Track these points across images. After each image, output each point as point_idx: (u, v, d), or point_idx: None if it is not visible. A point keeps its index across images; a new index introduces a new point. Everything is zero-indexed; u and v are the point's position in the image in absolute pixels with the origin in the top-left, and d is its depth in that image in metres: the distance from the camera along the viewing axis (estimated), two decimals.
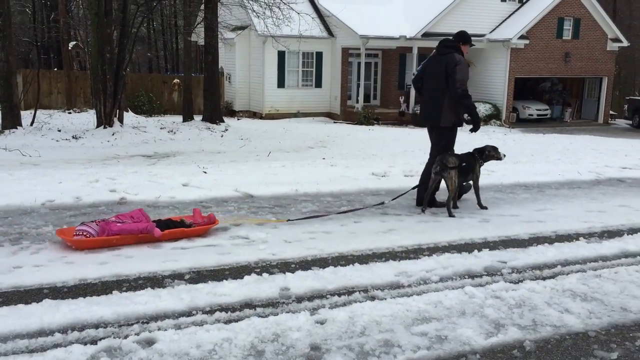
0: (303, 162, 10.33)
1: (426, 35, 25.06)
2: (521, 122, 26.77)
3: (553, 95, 29.63)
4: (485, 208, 6.55)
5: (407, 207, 6.63)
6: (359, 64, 25.85)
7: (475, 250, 4.91)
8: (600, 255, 4.89)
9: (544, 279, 4.30)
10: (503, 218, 6.18)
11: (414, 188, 6.87)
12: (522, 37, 25.76)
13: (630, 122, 28.57)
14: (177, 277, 4.18)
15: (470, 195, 6.86)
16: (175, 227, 5.14)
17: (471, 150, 6.64)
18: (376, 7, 26.62)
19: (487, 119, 25.31)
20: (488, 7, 26.65)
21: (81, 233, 4.77)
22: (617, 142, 17.82)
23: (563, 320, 3.58)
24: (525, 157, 11.66)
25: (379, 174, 8.63)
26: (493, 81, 26.68)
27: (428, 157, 6.80)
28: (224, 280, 4.08)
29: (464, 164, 6.28)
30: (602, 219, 6.15)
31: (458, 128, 6.62)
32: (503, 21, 27.06)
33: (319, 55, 26.32)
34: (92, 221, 4.98)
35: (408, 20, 25.91)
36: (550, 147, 15.40)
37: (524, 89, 28.89)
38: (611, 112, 30.21)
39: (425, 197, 6.48)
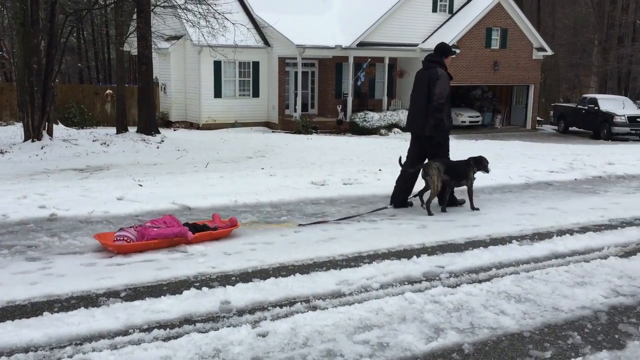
0: (242, 172, 10.26)
1: (362, 44, 25.44)
2: (454, 129, 27.45)
3: (484, 103, 30.63)
4: (477, 209, 7.03)
5: (347, 215, 6.67)
6: (296, 73, 25.93)
7: (414, 256, 4.98)
8: (532, 257, 5.06)
9: (480, 282, 4.41)
10: (440, 223, 6.32)
11: (415, 196, 7.24)
12: (453, 47, 26.50)
13: (556, 127, 29.88)
14: (112, 295, 4.04)
15: (416, 204, 6.98)
16: (202, 230, 5.45)
17: (466, 159, 7.24)
18: (312, 17, 26.84)
19: None
20: (420, 17, 27.32)
21: (122, 238, 5.04)
22: (544, 147, 18.59)
23: (499, 322, 3.68)
24: None
25: (318, 183, 8.66)
26: None
27: (405, 161, 7.30)
28: (162, 297, 3.97)
29: (455, 169, 6.94)
30: (532, 222, 6.38)
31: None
32: (435, 31, 27.79)
33: (256, 64, 26.24)
34: (130, 227, 5.25)
35: (343, 30, 26.24)
36: (483, 152, 15.79)
37: (456, 96, 29.70)
38: (538, 118, 31.51)
39: (445, 197, 6.97)
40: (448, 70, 7.04)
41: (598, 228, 6.16)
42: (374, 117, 25.08)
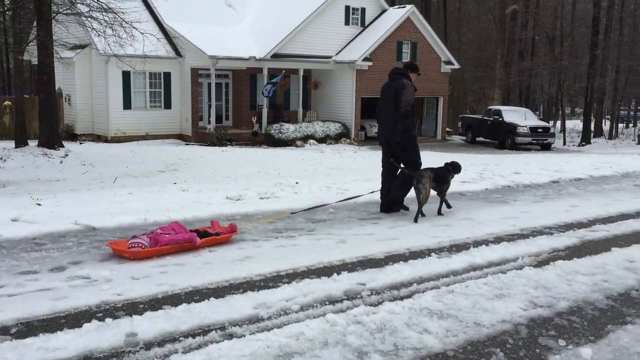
0: (153, 188, 9.77)
1: (276, 56, 25.32)
2: (369, 140, 27.91)
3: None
4: (450, 207, 7.67)
5: (265, 231, 6.44)
6: (209, 84, 25.40)
7: (335, 274, 4.83)
8: (451, 270, 5.04)
9: (401, 298, 4.31)
10: (359, 237, 6.22)
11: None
12: (366, 59, 26.95)
13: (465, 138, 31.00)
14: (1, 331, 3.59)
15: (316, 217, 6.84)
16: (205, 236, 5.71)
17: (444, 165, 7.82)
18: (225, 28, 26.45)
19: (338, 138, 26.09)
20: (333, 30, 27.59)
21: (136, 245, 5.27)
22: (454, 157, 19.14)
23: (423, 341, 3.57)
24: (376, 174, 11.97)
25: (233, 198, 8.37)
26: (342, 101, 27.62)
27: (381, 169, 7.89)
28: (59, 331, 3.57)
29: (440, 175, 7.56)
30: (449, 233, 6.42)
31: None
32: (348, 44, 28.14)
33: (167, 75, 25.49)
34: (143, 234, 5.49)
35: (257, 41, 26.04)
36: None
37: (369, 108, 30.18)
38: (447, 129, 32.58)
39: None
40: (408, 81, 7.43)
41: (511, 238, 6.27)
42: (289, 129, 24.98)
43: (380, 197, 7.81)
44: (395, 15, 28.56)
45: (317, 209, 7.62)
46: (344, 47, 27.94)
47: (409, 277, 4.79)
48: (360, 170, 13.60)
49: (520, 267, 5.09)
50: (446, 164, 7.88)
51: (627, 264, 5.27)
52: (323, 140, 25.60)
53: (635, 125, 42.75)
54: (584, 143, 29.05)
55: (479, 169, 12.89)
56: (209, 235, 5.76)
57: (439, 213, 7.55)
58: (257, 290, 4.44)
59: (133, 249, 5.24)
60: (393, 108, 7.31)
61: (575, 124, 41.56)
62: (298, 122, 26.13)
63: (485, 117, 29.25)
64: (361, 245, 5.81)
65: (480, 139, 29.93)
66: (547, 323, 3.94)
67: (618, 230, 6.67)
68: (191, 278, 4.68)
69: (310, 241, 6.02)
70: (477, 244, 5.97)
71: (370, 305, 4.15)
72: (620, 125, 39.91)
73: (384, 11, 29.45)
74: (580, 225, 6.98)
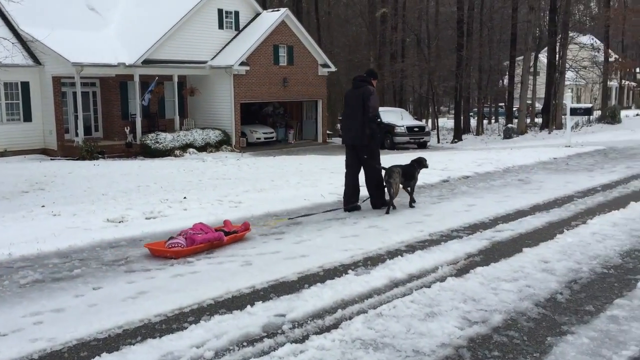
0: (16, 213, 8.53)
1: (147, 62, 23.97)
2: (250, 146, 27.33)
3: (276, 119, 30.99)
4: (414, 201, 8.25)
5: (156, 257, 5.69)
6: (74, 94, 23.47)
7: (248, 305, 4.24)
8: (374, 288, 4.64)
9: (329, 329, 3.82)
10: (265, 257, 5.66)
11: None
12: (242, 64, 26.33)
13: None
14: None
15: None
16: (229, 234, 6.20)
17: (410, 162, 8.29)
18: (89, 33, 24.62)
19: (219, 145, 25.22)
20: (207, 34, 26.68)
21: (175, 245, 5.71)
22: (339, 160, 19.08)
23: None
24: (266, 183, 11.51)
25: (115, 220, 7.47)
26: (220, 107, 26.77)
27: (345, 170, 8.22)
28: None
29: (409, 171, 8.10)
30: (359, 244, 6.04)
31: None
32: (223, 48, 27.35)
33: (25, 85, 23.23)
34: (178, 235, 5.91)
35: (126, 46, 24.49)
36: (285, 169, 15.71)
37: (249, 113, 29.64)
38: (328, 131, 32.79)
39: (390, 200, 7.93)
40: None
41: (423, 245, 6.02)
42: (166, 138, 23.74)
43: (344, 198, 8.19)
44: (270, 19, 28.21)
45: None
46: (220, 52, 27.14)
47: (331, 302, 4.32)
48: (249, 179, 12.98)
49: (443, 279, 4.80)
50: (412, 160, 8.39)
51: (543, 265, 5.18)
52: (203, 148, 24.62)
53: (497, 121, 45.71)
54: (456, 140, 30.43)
55: None
56: (232, 233, 6.24)
57: (411, 205, 8.17)
58: (159, 336, 3.75)
59: (174, 247, 5.67)
60: (361, 113, 7.74)
61: (444, 122, 43.58)
62: (175, 131, 24.94)
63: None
64: (270, 267, 5.26)
65: None
66: (487, 342, 3.64)
67: (521, 229, 6.66)
68: (75, 327, 3.89)
69: (211, 266, 5.37)
70: (391, 254, 5.64)
71: (295, 341, 3.62)
72: (485, 122, 42.41)
73: (257, 15, 29.01)
74: (484, 225, 6.91)
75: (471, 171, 11.97)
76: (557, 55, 33.78)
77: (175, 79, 25.51)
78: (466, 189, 9.91)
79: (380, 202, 8.10)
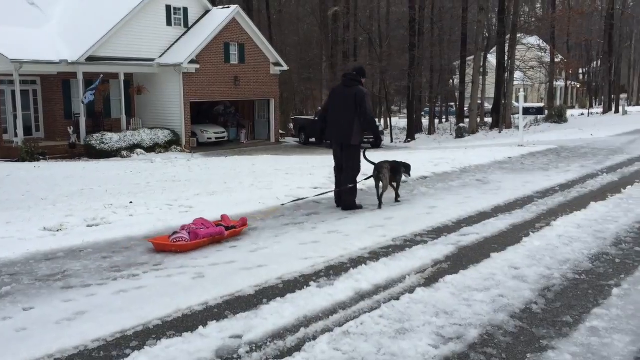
0: None
1: (91, 59, 22.97)
2: (201, 146, 26.62)
3: (227, 118, 30.36)
4: (399, 196, 8.58)
5: (98, 271, 5.17)
6: (13, 92, 22.27)
7: (200, 326, 3.81)
8: (338, 302, 4.27)
9: (291, 352, 3.44)
10: (219, 268, 5.22)
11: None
12: (192, 62, 25.61)
13: (298, 139, 30.96)
14: None
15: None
16: (229, 229, 6.33)
17: (398, 161, 8.63)
18: (28, 29, 23.41)
19: (168, 146, 24.44)
20: (154, 31, 25.82)
21: (180, 239, 5.75)
22: (294, 160, 18.71)
23: None
24: (219, 185, 11.02)
25: (52, 229, 6.88)
26: (169, 106, 25.96)
27: (334, 170, 8.32)
28: None
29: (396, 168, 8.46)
30: (320, 252, 5.67)
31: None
32: (172, 45, 26.55)
33: None
34: (182, 229, 5.93)
35: (69, 43, 23.40)
36: (237, 170, 15.18)
37: (199, 113, 28.92)
38: (280, 131, 32.34)
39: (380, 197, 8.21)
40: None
41: (387, 252, 5.69)
42: (112, 138, 22.81)
43: (335, 194, 8.25)
44: (220, 16, 27.57)
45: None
46: (168, 49, 26.33)
47: (293, 320, 3.93)
48: (200, 181, 12.43)
49: (412, 289, 4.48)
50: (400, 162, 8.68)
51: (514, 271, 4.93)
52: (152, 149, 23.79)
53: (447, 121, 46.23)
54: (409, 139, 30.51)
55: (325, 172, 12.44)
56: (231, 228, 6.37)
57: (397, 200, 8.47)
58: None
59: (179, 242, 5.73)
60: (351, 113, 7.76)
61: (396, 122, 43.74)
62: (122, 131, 24.01)
63: (316, 118, 29.40)
64: (225, 279, 4.83)
65: (313, 139, 30.08)
66: None
67: (486, 232, 6.43)
68: (1, 357, 3.38)
69: (159, 280, 4.90)
70: (355, 263, 5.30)
71: None
72: (436, 121, 42.79)
73: (207, 11, 28.33)
74: (448, 229, 6.65)
75: (429, 171, 11.77)
76: (506, 56, 34.34)
77: (122, 77, 24.58)
78: (425, 190, 9.68)
79: (351, 204, 8.02)
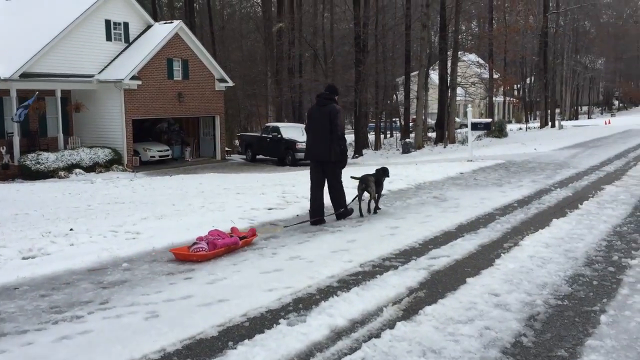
0: None
1: (25, 75, 21.83)
2: (144, 165, 25.69)
3: (171, 136, 29.52)
4: (379, 208, 9.00)
5: (35, 313, 4.56)
6: None
7: None
8: (314, 342, 3.85)
9: None
10: (174, 305, 4.71)
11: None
12: (134, 78, 24.76)
13: (245, 156, 30.37)
14: None
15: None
16: (242, 239, 6.75)
17: (375, 172, 8.99)
18: None
19: (109, 165, 23.43)
20: (93, 46, 24.86)
21: (200, 249, 6.17)
22: (243, 178, 18.19)
23: None
24: (166, 207, 10.41)
25: None
26: (110, 124, 24.95)
27: (310, 185, 8.45)
28: None
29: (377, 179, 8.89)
30: (285, 282, 5.24)
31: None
32: (112, 61, 25.64)
33: None
34: (201, 240, 6.33)
35: (1, 59, 22.13)
36: (185, 190, 14.55)
37: (142, 130, 27.98)
38: (226, 148, 31.68)
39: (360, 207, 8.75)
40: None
41: (357, 279, 5.32)
42: (49, 158, 21.67)
43: (309, 211, 8.38)
44: (163, 31, 26.87)
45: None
46: (108, 65, 25.41)
47: None
48: (145, 203, 11.78)
49: (392, 324, 4.11)
50: (377, 170, 9.09)
51: (494, 298, 4.65)
52: (92, 168, 22.75)
53: (392, 136, 46.62)
54: (357, 155, 30.34)
55: (279, 191, 12.03)
56: (244, 238, 6.79)
57: (375, 212, 8.85)
58: None
59: (198, 252, 6.09)
60: (328, 131, 8.06)
61: None
62: (59, 150, 22.88)
63: (264, 135, 28.96)
64: (182, 319, 4.33)
65: (260, 156, 29.60)
66: None
67: (456, 254, 6.15)
68: None
69: (107, 322, 4.35)
70: (324, 293, 4.89)
71: None
72: (381, 136, 43.04)
73: (149, 27, 27.59)
74: (416, 252, 6.35)
75: (384, 189, 11.50)
76: (448, 72, 34.96)
77: (59, 94, 23.47)
78: (384, 208, 9.39)
79: (345, 212, 8.48)
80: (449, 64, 35.59)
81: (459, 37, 38.64)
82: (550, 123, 49.50)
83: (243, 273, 5.63)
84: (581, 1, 57.35)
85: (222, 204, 10.33)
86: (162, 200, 12.22)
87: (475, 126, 17.44)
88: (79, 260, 6.13)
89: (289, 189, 12.43)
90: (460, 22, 39.07)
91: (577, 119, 69.49)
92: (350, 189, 9.09)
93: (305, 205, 9.89)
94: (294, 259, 6.15)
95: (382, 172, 9.05)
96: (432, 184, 12.41)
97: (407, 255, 6.16)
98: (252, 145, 29.66)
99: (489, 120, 18.62)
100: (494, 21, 45.96)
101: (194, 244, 6.25)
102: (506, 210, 8.94)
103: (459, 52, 36.56)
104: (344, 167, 8.46)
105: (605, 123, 47.99)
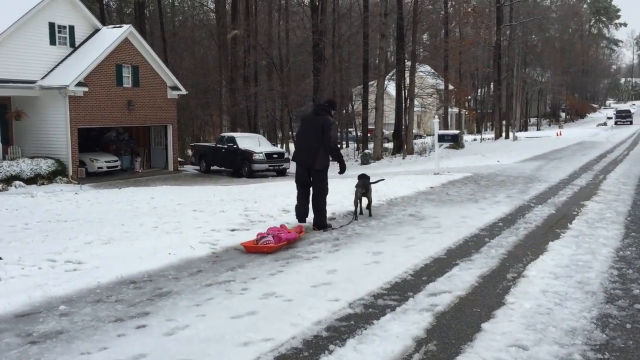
0: None
1: None
2: (91, 177, 24.14)
3: (120, 145, 28.05)
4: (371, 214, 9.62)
5: None
6: None
7: None
8: None
9: None
10: None
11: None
12: (80, 84, 23.26)
13: (199, 167, 29.12)
14: None
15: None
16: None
17: (361, 177, 9.57)
18: None
19: (52, 176, 21.83)
20: (36, 50, 23.27)
21: (268, 242, 6.94)
22: (197, 192, 17.06)
23: None
24: (114, 227, 9.25)
25: None
26: (54, 133, 23.33)
27: (297, 192, 8.73)
28: None
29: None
30: (262, 331, 4.27)
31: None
32: (56, 66, 24.09)
33: None
34: (267, 234, 7.11)
35: None
36: (135, 206, 13.33)
37: (89, 140, 26.41)
38: (179, 158, 30.34)
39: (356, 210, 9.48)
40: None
41: (348, 327, 4.39)
42: None
43: (296, 214, 8.77)
44: (112, 36, 25.48)
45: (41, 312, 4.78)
46: (52, 71, 23.86)
47: None
48: (91, 222, 10.54)
49: None
50: (362, 175, 9.72)
51: (523, 353, 3.81)
52: (33, 180, 21.13)
53: (347, 146, 46.02)
54: None
55: (240, 207, 11.02)
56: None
57: (370, 215, 9.57)
58: None
59: (267, 244, 6.90)
60: (318, 140, 8.31)
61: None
62: None
63: (219, 145, 27.82)
64: None
65: (215, 167, 28.42)
66: None
67: (457, 289, 5.31)
68: None
69: None
70: (314, 349, 3.95)
71: None
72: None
73: (97, 30, 26.17)
74: (410, 286, 5.48)
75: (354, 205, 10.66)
76: (406, 82, 34.63)
77: None
78: (360, 229, 8.54)
79: (323, 223, 8.49)
80: (407, 74, 35.30)
81: (418, 47, 38.42)
82: (504, 134, 49.94)
83: (209, 317, 4.64)
84: (532, 15, 58.48)
85: (179, 223, 9.25)
86: (109, 217, 11.01)
87: (442, 138, 16.83)
88: (4, 303, 5.01)
89: (251, 205, 11.44)
90: (417, 32, 38.91)
91: (526, 130, 70.63)
92: (338, 197, 8.22)
93: (271, 223, 8.98)
94: (269, 297, 5.18)
95: (368, 178, 9.64)
96: (404, 200, 11.64)
97: (401, 291, 5.29)
98: (207, 155, 28.47)
99: (457, 132, 18.04)
100: (450, 32, 46.08)
101: (262, 237, 6.96)
102: (493, 230, 8.22)
103: (416, 63, 36.32)
104: (323, 175, 8.56)
105: (557, 135, 48.74)
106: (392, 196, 12.01)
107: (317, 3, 30.43)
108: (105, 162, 25.61)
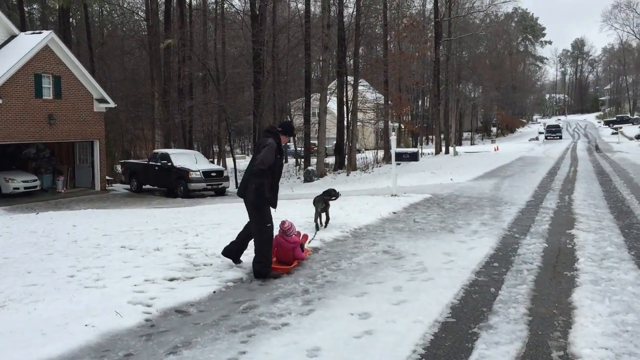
0: None
1: None
2: (6, 199, 21.53)
3: (41, 163, 25.45)
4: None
5: None
6: None
7: None
8: None
9: None
10: None
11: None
12: None
13: (129, 186, 26.81)
14: None
15: None
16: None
17: (322, 193, 10.23)
18: None
19: None
20: None
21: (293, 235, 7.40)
22: (127, 217, 15.04)
23: None
24: (17, 278, 7.23)
25: None
26: None
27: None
28: None
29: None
30: None
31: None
32: None
33: None
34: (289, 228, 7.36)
35: None
36: (51, 238, 11.21)
37: (4, 157, 23.71)
38: (108, 177, 27.90)
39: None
40: None
41: None
42: None
43: (231, 242, 7.40)
44: (30, 42, 23.01)
45: None
46: None
47: None
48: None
49: None
50: (324, 192, 10.26)
51: None
52: None
53: (286, 162, 44.45)
54: None
55: (179, 243, 9.23)
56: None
57: (325, 226, 9.99)
58: None
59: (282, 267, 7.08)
60: (251, 165, 7.12)
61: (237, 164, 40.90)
62: None
63: (151, 162, 25.66)
64: None
65: (148, 186, 26.22)
66: None
67: None
68: None
69: None
70: None
71: None
72: None
73: (13, 37, 23.58)
74: None
75: (315, 238, 9.09)
76: (345, 97, 33.58)
77: None
78: (329, 273, 7.00)
79: (265, 272, 6.81)
80: (349, 88, 34.23)
81: (359, 60, 37.45)
82: (444, 149, 49.75)
83: None
84: (466, 31, 59.08)
85: (101, 269, 7.38)
86: (16, 257, 8.93)
87: (400, 156, 15.55)
88: None
89: (191, 239, 9.66)
90: (359, 44, 38.00)
91: (461, 144, 71.26)
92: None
93: (218, 265, 7.31)
94: None
95: (328, 194, 10.15)
96: (370, 230, 10.18)
97: None
98: (138, 173, 26.23)
99: (416, 150, 16.81)
100: (389, 45, 45.50)
101: (288, 228, 7.25)
102: (491, 275, 6.84)
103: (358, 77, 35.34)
104: (261, 207, 6.85)
105: (495, 149, 48.95)
106: (354, 225, 10.52)
107: (257, 12, 28.85)
108: (23, 181, 23.00)
